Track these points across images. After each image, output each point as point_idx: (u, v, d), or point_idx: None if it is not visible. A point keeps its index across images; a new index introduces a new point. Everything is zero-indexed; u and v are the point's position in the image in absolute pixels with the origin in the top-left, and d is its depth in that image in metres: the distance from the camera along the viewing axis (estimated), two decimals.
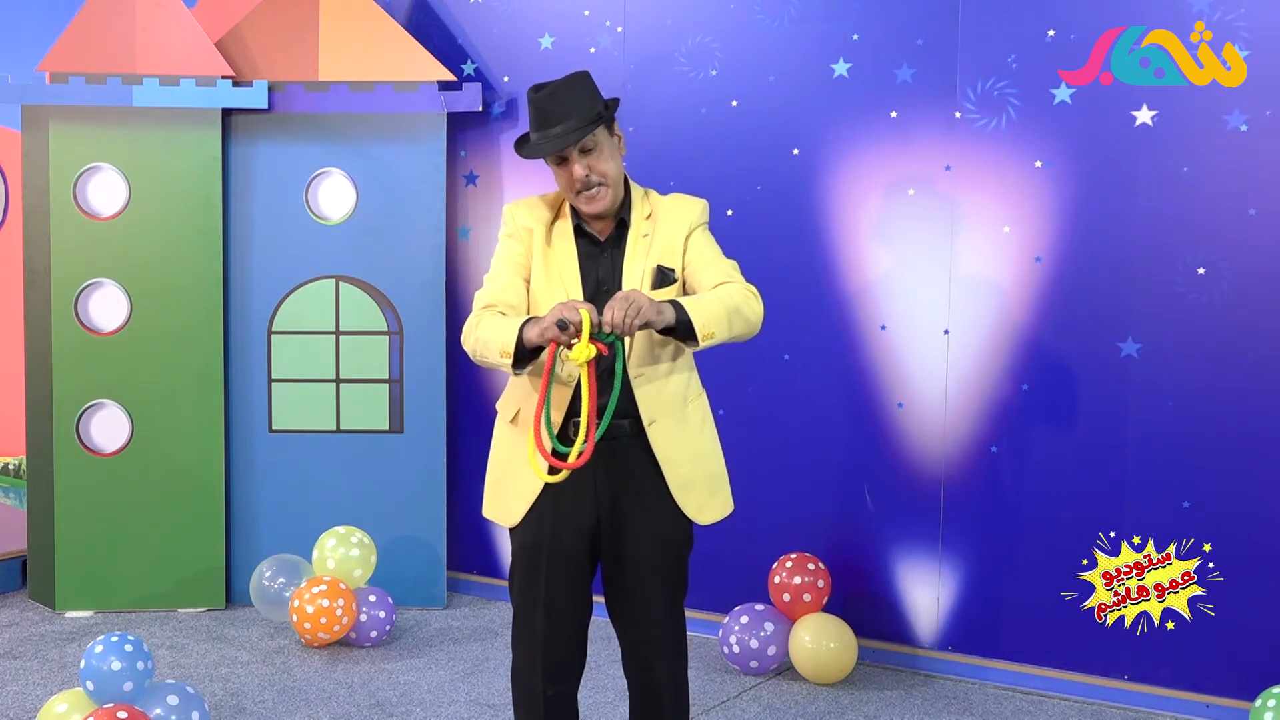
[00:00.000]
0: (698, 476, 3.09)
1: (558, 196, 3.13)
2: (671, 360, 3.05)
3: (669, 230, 3.04)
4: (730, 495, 3.19)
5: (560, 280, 3.04)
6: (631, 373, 2.99)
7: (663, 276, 3.03)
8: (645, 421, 3.01)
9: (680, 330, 2.88)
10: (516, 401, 3.09)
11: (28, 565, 5.32)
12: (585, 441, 2.84)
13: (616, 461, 3.02)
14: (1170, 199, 4.12)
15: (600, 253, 3.07)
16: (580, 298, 3.00)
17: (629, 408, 3.00)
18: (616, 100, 3.07)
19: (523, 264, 3.08)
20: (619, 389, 2.87)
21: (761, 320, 3.03)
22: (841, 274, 4.64)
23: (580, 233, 3.08)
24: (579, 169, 2.97)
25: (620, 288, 3.01)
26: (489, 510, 3.17)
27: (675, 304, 2.87)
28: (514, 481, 3.08)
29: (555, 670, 3.10)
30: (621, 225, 3.07)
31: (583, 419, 2.84)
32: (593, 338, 2.79)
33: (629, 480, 3.04)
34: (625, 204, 3.08)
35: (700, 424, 3.11)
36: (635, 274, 3.03)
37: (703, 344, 2.89)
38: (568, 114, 2.94)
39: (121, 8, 5.02)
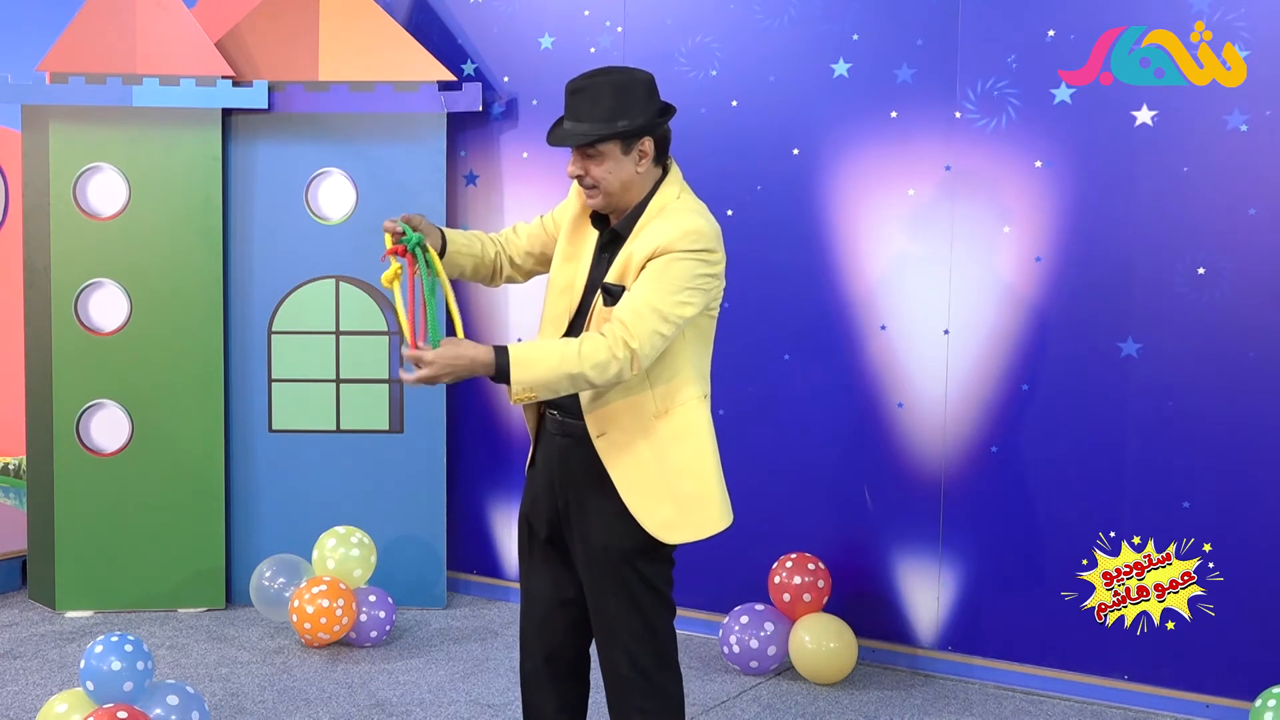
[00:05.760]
0: (662, 494, 2.97)
1: None
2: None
3: (642, 246, 2.94)
4: (717, 514, 3.03)
5: (571, 269, 3.11)
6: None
7: (609, 295, 2.98)
8: (593, 434, 2.98)
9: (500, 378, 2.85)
10: None
11: (28, 565, 5.32)
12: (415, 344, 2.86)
13: (570, 463, 3.06)
14: (1170, 199, 4.12)
15: (603, 254, 3.07)
16: (581, 290, 3.06)
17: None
18: (658, 121, 2.96)
19: (552, 226, 3.21)
20: (441, 298, 2.95)
21: (612, 378, 2.87)
22: (841, 274, 4.64)
23: (599, 225, 3.10)
24: (572, 166, 3.01)
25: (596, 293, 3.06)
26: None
27: (501, 353, 2.82)
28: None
29: (527, 645, 3.25)
30: (615, 236, 3.03)
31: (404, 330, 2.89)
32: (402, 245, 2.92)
33: (577, 486, 3.05)
34: (633, 215, 3.00)
35: (673, 439, 2.98)
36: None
37: (516, 400, 2.87)
38: (583, 115, 2.94)
39: (121, 8, 5.02)
